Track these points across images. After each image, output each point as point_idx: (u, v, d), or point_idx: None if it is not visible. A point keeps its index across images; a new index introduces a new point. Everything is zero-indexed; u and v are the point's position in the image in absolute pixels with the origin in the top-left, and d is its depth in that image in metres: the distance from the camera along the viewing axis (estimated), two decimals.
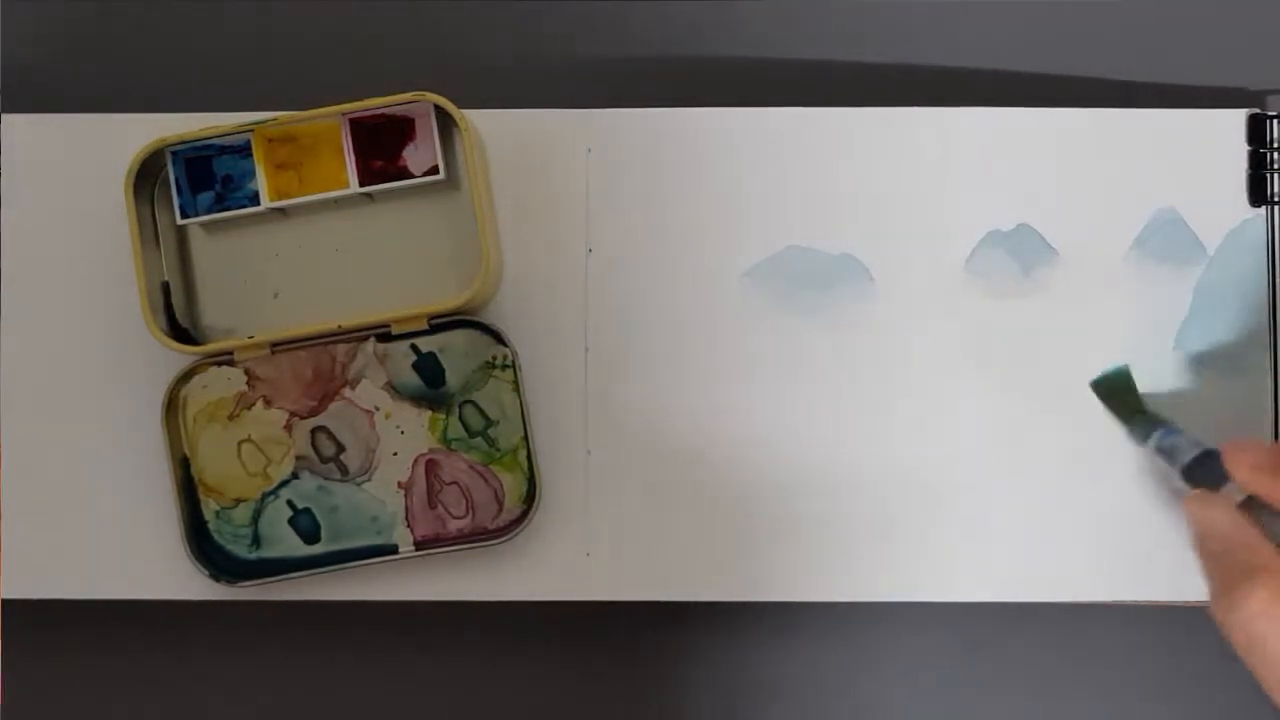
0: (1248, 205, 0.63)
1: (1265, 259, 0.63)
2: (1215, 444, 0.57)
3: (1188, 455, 0.58)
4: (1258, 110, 0.63)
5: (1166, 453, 0.59)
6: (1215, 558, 0.54)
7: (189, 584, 0.61)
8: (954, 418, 0.62)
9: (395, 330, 0.61)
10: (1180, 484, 0.58)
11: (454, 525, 0.62)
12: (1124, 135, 0.63)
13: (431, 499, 0.62)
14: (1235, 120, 0.63)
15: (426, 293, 0.62)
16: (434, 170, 0.61)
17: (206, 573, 0.61)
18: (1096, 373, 0.62)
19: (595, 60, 0.68)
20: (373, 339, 0.62)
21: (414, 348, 0.62)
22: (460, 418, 0.62)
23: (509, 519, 0.62)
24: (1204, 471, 0.57)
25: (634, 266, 0.63)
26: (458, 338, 0.62)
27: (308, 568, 0.61)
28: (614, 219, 0.63)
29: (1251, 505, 0.54)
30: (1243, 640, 0.51)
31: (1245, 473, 0.55)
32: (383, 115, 0.61)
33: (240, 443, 0.62)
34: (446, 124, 0.61)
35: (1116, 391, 0.62)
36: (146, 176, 0.61)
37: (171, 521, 0.61)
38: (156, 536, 0.62)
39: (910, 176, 0.63)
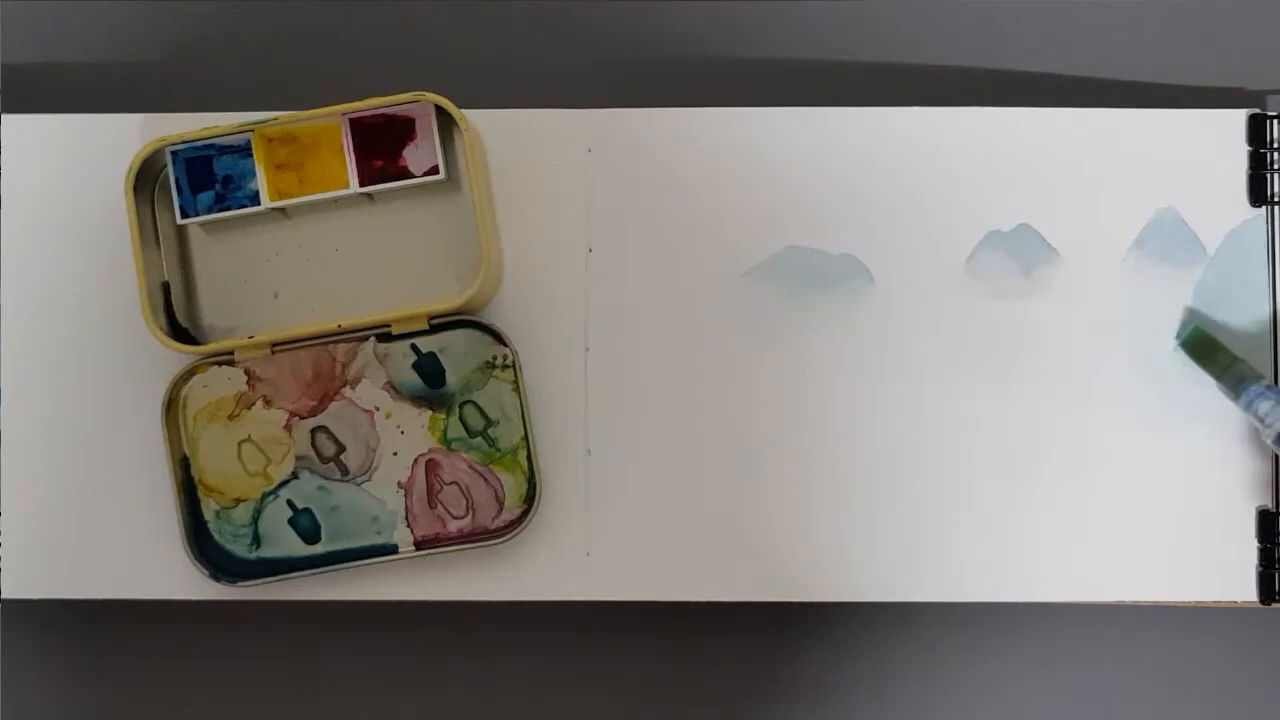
0: (1248, 205, 0.63)
1: (1265, 259, 0.63)
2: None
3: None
4: (1258, 110, 0.63)
5: (1258, 415, 0.59)
6: None
7: (189, 584, 0.62)
8: (954, 417, 0.62)
9: (395, 330, 0.61)
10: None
11: (454, 525, 0.62)
12: (1124, 135, 0.63)
13: (431, 499, 0.62)
14: (1235, 120, 0.63)
15: (426, 293, 0.62)
16: (434, 170, 0.61)
17: (206, 573, 0.61)
18: (1180, 333, 0.62)
19: (595, 60, 0.68)
20: (373, 339, 0.62)
21: (414, 348, 0.62)
22: (460, 418, 0.62)
23: (509, 519, 0.62)
24: None
25: (634, 266, 0.63)
26: (458, 338, 0.62)
27: (308, 568, 0.61)
28: (614, 219, 0.63)
29: None
30: None
31: None
32: (383, 115, 0.61)
33: (240, 443, 0.62)
34: (446, 124, 0.61)
35: (1201, 350, 0.61)
36: (146, 176, 0.61)
37: (171, 521, 0.61)
38: (156, 536, 0.62)
39: (910, 176, 0.63)
